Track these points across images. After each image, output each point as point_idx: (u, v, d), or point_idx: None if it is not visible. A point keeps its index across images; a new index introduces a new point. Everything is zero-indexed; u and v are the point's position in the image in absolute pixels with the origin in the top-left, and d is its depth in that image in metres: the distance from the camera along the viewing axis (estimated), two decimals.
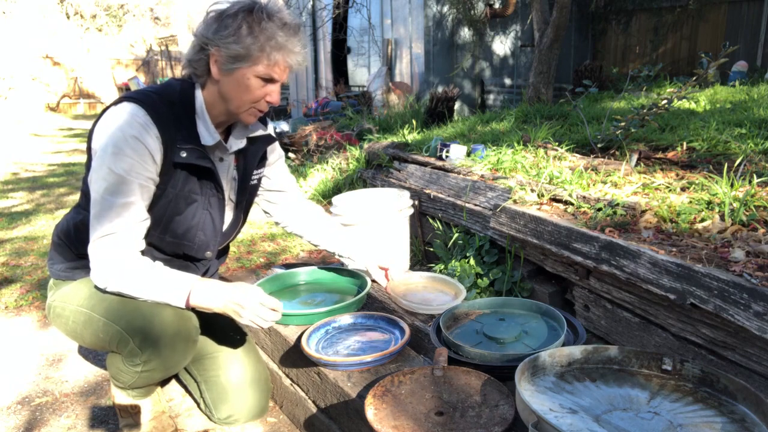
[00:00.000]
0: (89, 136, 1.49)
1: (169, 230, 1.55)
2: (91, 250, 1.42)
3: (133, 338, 1.49)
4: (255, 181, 1.76)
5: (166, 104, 1.47)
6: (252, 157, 1.70)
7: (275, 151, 1.86)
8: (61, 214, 4.55)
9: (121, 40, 18.38)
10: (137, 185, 1.41)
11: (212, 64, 1.46)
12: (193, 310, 1.51)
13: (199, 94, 1.52)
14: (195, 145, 1.50)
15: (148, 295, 1.44)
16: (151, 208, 1.49)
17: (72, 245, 1.60)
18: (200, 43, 1.45)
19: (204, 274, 1.75)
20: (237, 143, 1.64)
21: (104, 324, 1.50)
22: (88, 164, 1.51)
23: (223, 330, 1.80)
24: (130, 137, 1.39)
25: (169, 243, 1.58)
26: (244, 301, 1.42)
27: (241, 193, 1.71)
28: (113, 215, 1.40)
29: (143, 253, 1.48)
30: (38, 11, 15.93)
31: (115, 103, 1.47)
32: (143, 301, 1.47)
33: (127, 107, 1.43)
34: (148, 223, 1.48)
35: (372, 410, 1.25)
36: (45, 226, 4.20)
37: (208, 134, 1.53)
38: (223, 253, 1.86)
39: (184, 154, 1.47)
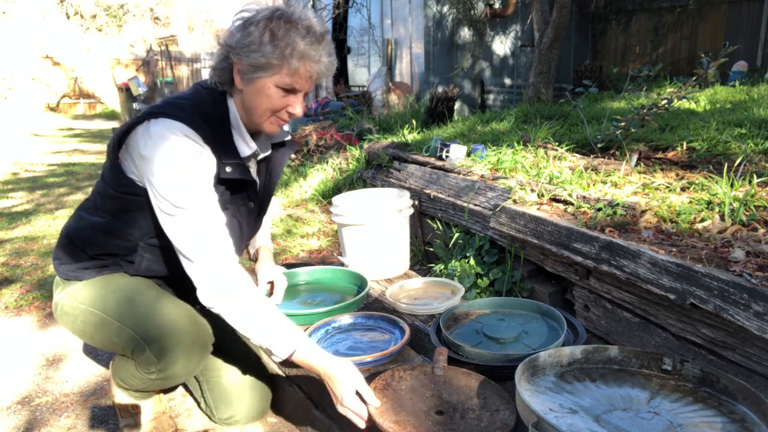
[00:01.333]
0: (116, 142, 1.44)
1: None
2: (196, 272, 1.37)
3: (150, 346, 1.47)
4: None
5: (204, 118, 1.43)
6: (279, 164, 1.70)
7: None
8: (62, 214, 4.55)
9: (121, 40, 18.34)
10: (214, 200, 1.40)
11: (235, 73, 1.43)
12: (201, 313, 1.50)
13: (232, 105, 1.49)
14: (237, 159, 1.48)
15: (252, 335, 1.35)
16: None
17: (86, 247, 1.56)
18: (224, 52, 1.43)
19: None
20: (264, 151, 1.64)
21: (118, 328, 1.49)
22: (114, 168, 1.47)
23: (226, 332, 1.80)
24: (195, 158, 1.37)
25: None
26: (341, 388, 1.28)
27: (265, 198, 1.72)
28: (205, 235, 1.36)
29: (172, 257, 1.43)
30: (38, 11, 15.92)
31: (154, 117, 1.39)
32: (158, 306, 1.46)
33: (178, 127, 1.37)
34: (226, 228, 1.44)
35: None
36: (45, 226, 4.19)
37: (244, 144, 1.52)
38: None
39: (229, 170, 1.45)
